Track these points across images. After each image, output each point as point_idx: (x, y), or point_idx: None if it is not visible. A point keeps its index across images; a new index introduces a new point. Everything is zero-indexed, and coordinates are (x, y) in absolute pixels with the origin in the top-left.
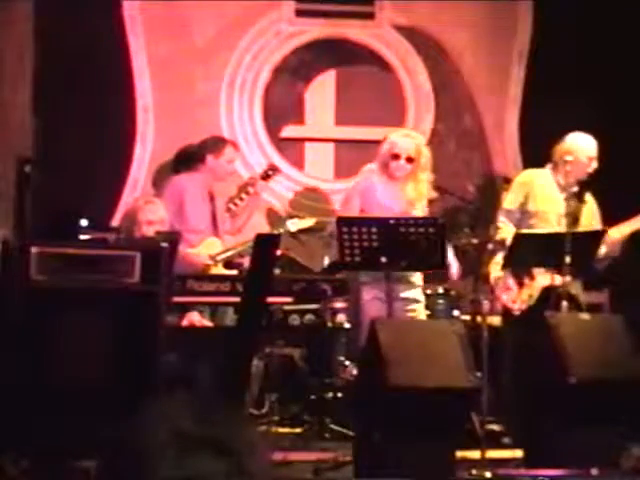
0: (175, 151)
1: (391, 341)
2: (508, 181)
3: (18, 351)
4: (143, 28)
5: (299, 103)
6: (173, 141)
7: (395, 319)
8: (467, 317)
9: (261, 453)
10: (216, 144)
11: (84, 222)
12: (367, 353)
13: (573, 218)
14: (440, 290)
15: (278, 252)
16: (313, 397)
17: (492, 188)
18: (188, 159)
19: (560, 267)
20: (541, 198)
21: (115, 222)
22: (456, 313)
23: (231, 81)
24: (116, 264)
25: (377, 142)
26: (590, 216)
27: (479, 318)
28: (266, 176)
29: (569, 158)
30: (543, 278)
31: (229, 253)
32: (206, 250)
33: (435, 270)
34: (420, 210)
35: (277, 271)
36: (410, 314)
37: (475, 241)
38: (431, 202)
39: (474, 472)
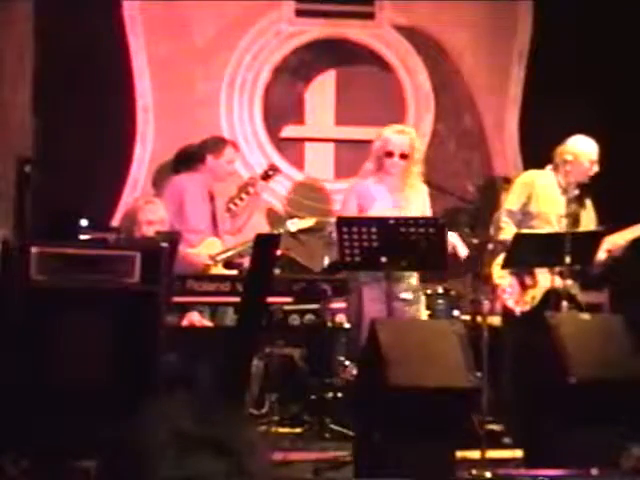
0: (175, 151)
1: (391, 341)
2: (508, 181)
3: (18, 351)
4: (143, 28)
5: (299, 103)
6: (173, 141)
7: (395, 319)
8: (467, 317)
9: (261, 453)
10: (216, 144)
11: (84, 222)
12: (367, 353)
13: (573, 219)
14: (440, 290)
15: (278, 252)
16: (313, 397)
17: (492, 188)
18: (188, 159)
19: (560, 267)
20: (543, 199)
21: (115, 222)
22: (456, 313)
23: (231, 81)
24: (116, 264)
25: None
26: (588, 222)
27: (479, 318)
28: (266, 176)
29: (569, 158)
30: (545, 279)
31: (229, 253)
32: (206, 250)
33: (435, 270)
34: (419, 205)
35: (277, 271)
36: (410, 313)
37: (475, 241)
38: (431, 197)
39: (474, 472)
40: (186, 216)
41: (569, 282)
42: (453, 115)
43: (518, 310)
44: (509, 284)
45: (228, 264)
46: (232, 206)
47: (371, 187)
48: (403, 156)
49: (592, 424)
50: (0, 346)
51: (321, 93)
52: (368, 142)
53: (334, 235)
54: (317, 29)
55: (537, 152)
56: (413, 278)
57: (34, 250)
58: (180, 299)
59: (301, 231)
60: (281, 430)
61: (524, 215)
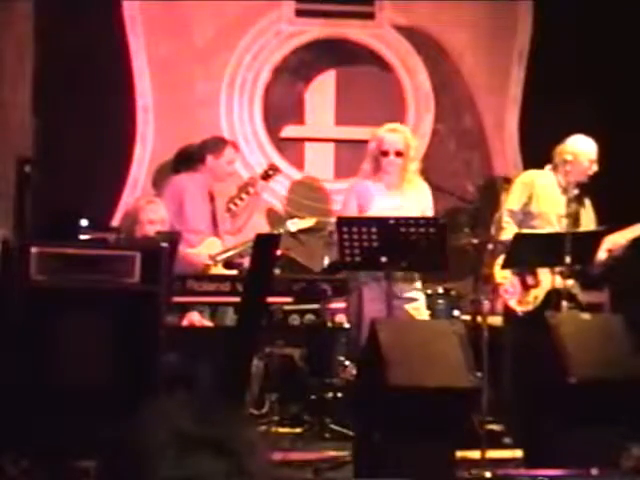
0: (175, 151)
1: (391, 341)
2: (508, 181)
3: (18, 351)
4: (143, 28)
5: (299, 103)
6: (173, 141)
7: (395, 319)
8: (467, 317)
9: (261, 453)
10: (216, 145)
11: (84, 222)
12: (367, 353)
13: (574, 219)
14: (440, 290)
15: (278, 252)
16: (313, 397)
17: (492, 188)
18: (188, 159)
19: (560, 267)
20: (543, 199)
21: (115, 222)
22: (456, 313)
23: (231, 81)
24: (116, 264)
25: None
26: (588, 221)
27: (479, 318)
28: (266, 176)
29: (569, 158)
30: (547, 279)
31: (229, 253)
32: (206, 250)
33: (435, 270)
34: (418, 203)
35: (277, 271)
36: (411, 312)
37: (475, 241)
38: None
39: (474, 472)
40: (186, 216)
41: (570, 282)
42: (453, 115)
43: (519, 310)
44: (511, 284)
45: (228, 264)
46: (232, 206)
47: (370, 187)
48: (398, 154)
49: (592, 424)
50: (0, 346)
51: (321, 93)
52: (368, 142)
53: (334, 235)
54: (317, 29)
55: (537, 152)
56: (413, 276)
57: (34, 250)
58: (180, 299)
59: (301, 231)
60: (281, 430)
61: (525, 215)
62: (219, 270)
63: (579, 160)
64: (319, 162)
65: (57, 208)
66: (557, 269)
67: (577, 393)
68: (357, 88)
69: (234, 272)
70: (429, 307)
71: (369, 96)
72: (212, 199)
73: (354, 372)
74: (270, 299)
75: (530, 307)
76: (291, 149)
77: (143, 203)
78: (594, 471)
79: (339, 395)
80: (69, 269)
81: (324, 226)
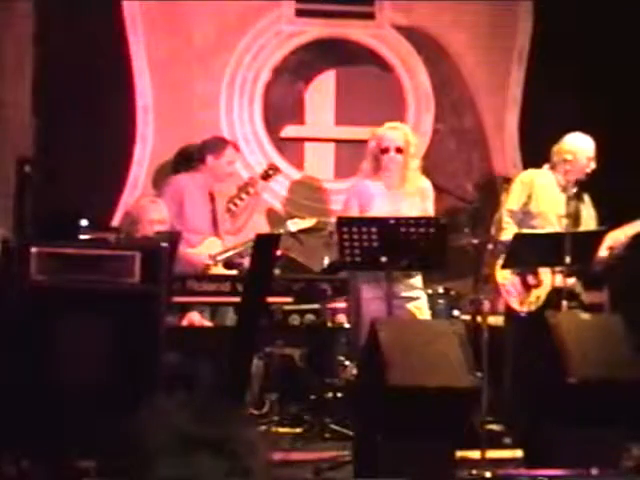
0: (175, 151)
1: (391, 341)
2: (508, 181)
3: (18, 351)
4: (143, 28)
5: (299, 103)
6: (173, 141)
7: (395, 319)
8: (467, 317)
9: (261, 453)
10: (217, 145)
11: (84, 222)
12: (367, 353)
13: (574, 218)
14: (440, 290)
15: (278, 252)
16: (313, 397)
17: (492, 188)
18: (188, 159)
19: (561, 267)
20: (543, 198)
21: (115, 222)
22: (456, 313)
23: (231, 81)
24: (116, 264)
25: None
26: (588, 217)
27: (479, 318)
28: (266, 176)
29: (569, 157)
30: (549, 279)
31: (229, 253)
32: (206, 250)
33: (435, 270)
34: (416, 202)
35: (277, 271)
36: (413, 310)
37: (475, 241)
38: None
39: (474, 472)
40: (186, 216)
41: (572, 280)
42: (453, 115)
43: (520, 309)
44: (512, 284)
45: (228, 264)
46: (232, 206)
47: (371, 186)
48: (399, 150)
49: (592, 424)
50: (0, 346)
51: (321, 93)
52: (368, 141)
53: (334, 235)
54: (317, 29)
55: (537, 152)
56: (418, 279)
57: (34, 250)
58: (180, 299)
59: (301, 231)
60: (281, 430)
61: (524, 215)
62: (219, 270)
63: (578, 158)
64: (319, 162)
65: (57, 208)
66: (558, 269)
67: (577, 393)
68: (357, 88)
69: (234, 272)
70: (429, 307)
71: (369, 96)
72: (212, 199)
73: (354, 372)
74: (270, 299)
75: (532, 307)
76: (291, 149)
77: (146, 203)
78: (594, 471)
79: (339, 395)
80: (69, 269)
81: (324, 226)
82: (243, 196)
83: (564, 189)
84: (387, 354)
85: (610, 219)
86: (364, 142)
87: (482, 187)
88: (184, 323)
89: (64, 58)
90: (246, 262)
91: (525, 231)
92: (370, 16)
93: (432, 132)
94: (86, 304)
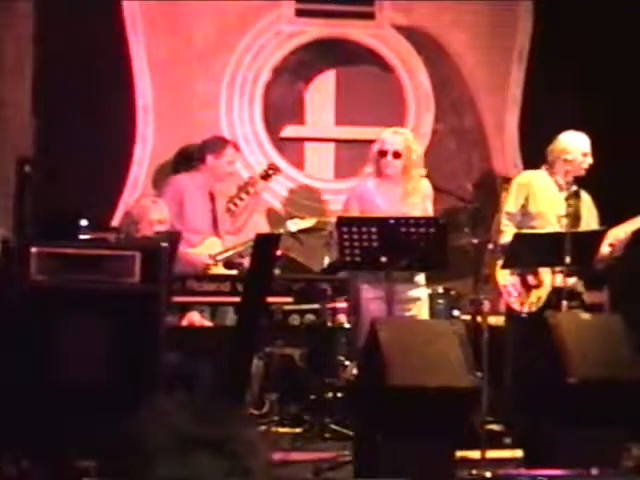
0: (175, 151)
1: (391, 341)
2: (508, 181)
3: (18, 351)
4: (143, 28)
5: (299, 103)
6: (173, 141)
7: (395, 319)
8: (467, 317)
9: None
10: (217, 144)
11: (84, 222)
12: (367, 353)
13: (574, 217)
14: (440, 290)
15: (278, 252)
16: (313, 397)
17: (492, 188)
18: (188, 159)
19: (562, 267)
20: (541, 199)
21: (115, 222)
22: (456, 313)
23: (231, 81)
24: (116, 264)
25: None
26: (589, 215)
27: (479, 318)
28: (266, 175)
29: (569, 157)
30: (549, 279)
31: (229, 253)
32: (206, 250)
33: (435, 270)
34: (419, 209)
35: (277, 271)
36: (411, 312)
37: (475, 241)
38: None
39: (474, 472)
40: (186, 216)
41: (573, 280)
42: (453, 115)
43: (522, 310)
44: (512, 285)
45: (228, 264)
46: (232, 206)
47: (371, 190)
48: (396, 155)
49: (592, 424)
50: (0, 346)
51: (321, 93)
52: (368, 142)
53: (334, 235)
54: (317, 29)
55: (537, 152)
56: (420, 277)
57: (34, 250)
58: (180, 299)
59: (301, 231)
60: (281, 430)
61: (523, 216)
62: (219, 270)
63: (575, 156)
64: (319, 162)
65: (57, 208)
66: (558, 269)
67: (577, 393)
68: (357, 88)
69: (234, 272)
70: (429, 307)
71: (369, 96)
72: (212, 199)
73: (354, 372)
74: (270, 299)
75: (533, 308)
76: (291, 149)
77: (147, 203)
78: (594, 471)
79: (339, 395)
80: (69, 269)
81: (324, 226)
82: (243, 196)
83: (562, 189)
84: (387, 354)
85: (611, 217)
86: (364, 142)
87: (482, 187)
88: (184, 323)
89: (64, 58)
90: (246, 262)
91: (525, 231)
92: (370, 16)
93: (432, 132)
94: (86, 304)
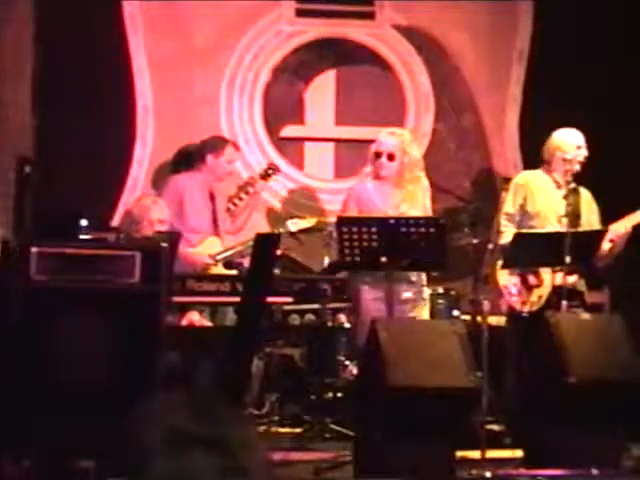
0: (175, 151)
1: (391, 341)
2: (508, 181)
3: (18, 351)
4: (143, 28)
5: (299, 103)
6: (173, 141)
7: (395, 319)
8: (467, 317)
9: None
10: (216, 144)
11: (84, 222)
12: (367, 353)
13: (574, 214)
14: (440, 290)
15: (278, 252)
16: (313, 397)
17: (492, 188)
18: (188, 159)
19: (562, 266)
20: (539, 199)
21: (115, 222)
22: (456, 313)
23: (231, 81)
24: (116, 264)
25: None
26: (589, 211)
27: (479, 318)
28: (266, 175)
29: (564, 152)
30: (550, 278)
31: (229, 253)
32: (206, 250)
33: (435, 270)
34: (419, 210)
35: (277, 271)
36: (411, 313)
37: (475, 241)
38: (433, 201)
39: (474, 472)
40: (186, 216)
41: (573, 278)
42: (453, 115)
43: (523, 310)
44: (513, 285)
45: (228, 264)
46: (231, 206)
47: (370, 190)
48: (390, 157)
49: (592, 424)
50: (0, 346)
51: (321, 93)
52: (368, 142)
53: (334, 235)
54: (317, 29)
55: (537, 152)
56: (414, 276)
57: (34, 250)
58: (180, 299)
59: (301, 231)
60: (281, 430)
61: (522, 216)
62: (219, 270)
63: (569, 150)
64: (319, 162)
65: (57, 208)
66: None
67: (577, 393)
68: (357, 88)
69: (234, 272)
70: (429, 307)
71: (369, 96)
72: (212, 198)
73: (354, 372)
74: (270, 299)
75: (535, 307)
76: (291, 149)
77: (148, 203)
78: (594, 471)
79: (339, 395)
80: (69, 269)
81: (324, 226)
82: (243, 196)
83: (560, 186)
84: (387, 354)
85: (611, 213)
86: (364, 142)
87: (482, 187)
88: (184, 323)
89: (64, 58)
90: (246, 262)
91: (525, 231)
92: (370, 16)
93: (432, 132)
94: (86, 304)
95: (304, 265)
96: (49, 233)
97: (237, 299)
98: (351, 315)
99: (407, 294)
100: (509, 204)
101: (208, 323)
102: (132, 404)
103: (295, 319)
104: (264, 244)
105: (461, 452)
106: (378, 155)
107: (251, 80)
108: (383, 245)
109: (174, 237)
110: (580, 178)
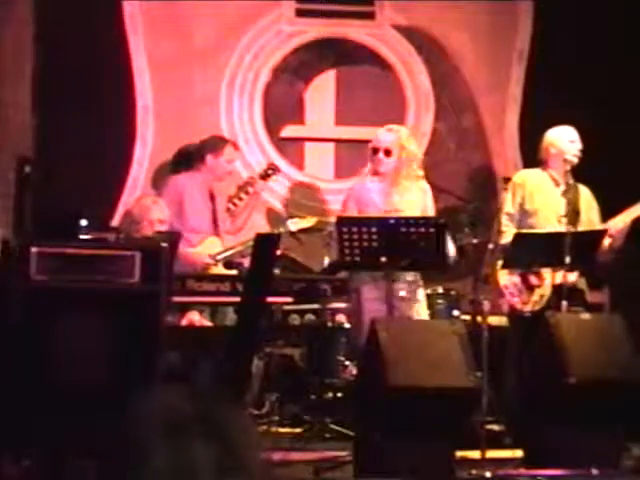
0: (175, 151)
1: (391, 341)
2: (508, 181)
3: (18, 351)
4: (143, 28)
5: (299, 103)
6: (173, 141)
7: (395, 319)
8: (467, 317)
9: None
10: (216, 144)
11: (84, 222)
12: (367, 353)
13: (573, 213)
14: (440, 290)
15: (278, 252)
16: (313, 397)
17: (492, 188)
18: (188, 159)
19: (563, 266)
20: (537, 196)
21: (115, 222)
22: (456, 313)
23: (231, 81)
24: (116, 264)
25: None
26: (588, 208)
27: (479, 318)
28: (266, 175)
29: (568, 157)
30: (550, 277)
31: (229, 253)
32: (206, 250)
33: (435, 270)
34: (418, 208)
35: (277, 271)
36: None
37: (475, 241)
38: (433, 201)
39: (474, 472)
40: (186, 216)
41: (574, 277)
42: (453, 115)
43: (525, 310)
44: (513, 285)
45: (228, 264)
46: (231, 206)
47: (369, 189)
48: (387, 152)
49: (592, 424)
50: (0, 346)
51: (321, 93)
52: (368, 142)
53: (334, 235)
54: (317, 29)
55: (537, 152)
56: (410, 276)
57: (34, 250)
58: (180, 299)
59: (301, 231)
60: (281, 430)
61: (521, 214)
62: (219, 270)
63: (563, 145)
64: (319, 162)
65: (57, 208)
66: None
67: (577, 393)
68: (357, 88)
69: (234, 272)
70: (429, 307)
71: (369, 96)
72: (212, 198)
73: (354, 372)
74: (270, 299)
75: (536, 307)
76: (291, 149)
77: (148, 203)
78: (594, 471)
79: (339, 395)
80: (69, 269)
81: (324, 226)
82: (242, 196)
83: (558, 183)
84: (387, 354)
85: (609, 210)
86: (364, 142)
87: (482, 187)
88: (184, 323)
89: (64, 58)
90: (246, 262)
91: (525, 231)
92: (370, 16)
93: (432, 132)
94: (86, 304)
95: (304, 265)
96: (49, 233)
97: (237, 299)
98: (351, 315)
99: (402, 293)
100: (509, 204)
101: (208, 323)
102: (132, 403)
103: (295, 319)
104: (264, 244)
105: (461, 452)
106: (375, 151)
107: (251, 80)
108: (383, 245)
109: (174, 237)
110: (580, 177)
